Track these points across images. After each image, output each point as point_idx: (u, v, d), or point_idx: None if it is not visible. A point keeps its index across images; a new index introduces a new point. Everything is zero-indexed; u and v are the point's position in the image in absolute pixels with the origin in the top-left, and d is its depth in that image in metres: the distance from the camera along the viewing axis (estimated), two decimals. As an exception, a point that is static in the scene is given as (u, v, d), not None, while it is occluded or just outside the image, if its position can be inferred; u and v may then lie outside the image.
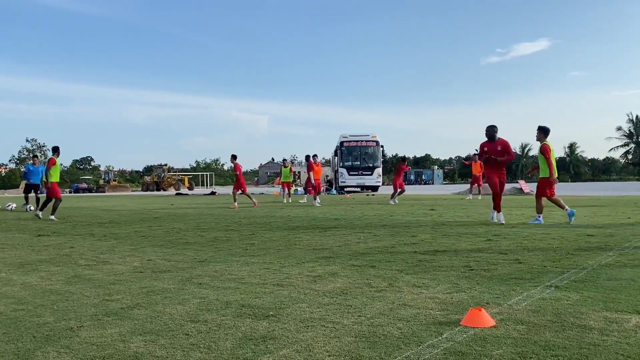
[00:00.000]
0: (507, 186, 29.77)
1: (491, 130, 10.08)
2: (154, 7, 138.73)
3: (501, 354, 2.65)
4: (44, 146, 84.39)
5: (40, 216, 13.56)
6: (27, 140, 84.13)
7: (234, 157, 17.88)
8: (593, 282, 4.31)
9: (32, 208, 18.74)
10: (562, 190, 30.75)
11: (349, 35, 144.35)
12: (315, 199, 18.87)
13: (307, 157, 20.93)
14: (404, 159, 22.91)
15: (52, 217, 12.94)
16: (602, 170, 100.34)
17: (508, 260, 5.53)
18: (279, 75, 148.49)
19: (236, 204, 17.64)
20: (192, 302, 3.92)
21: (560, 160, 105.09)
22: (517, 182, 31.36)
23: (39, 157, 19.79)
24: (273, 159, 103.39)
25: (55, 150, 13.47)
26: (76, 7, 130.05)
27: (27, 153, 79.70)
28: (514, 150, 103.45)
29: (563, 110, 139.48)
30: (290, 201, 21.19)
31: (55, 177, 13.11)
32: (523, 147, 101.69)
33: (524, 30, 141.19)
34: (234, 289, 4.37)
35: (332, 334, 3.05)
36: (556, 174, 9.70)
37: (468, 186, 25.50)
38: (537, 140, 9.96)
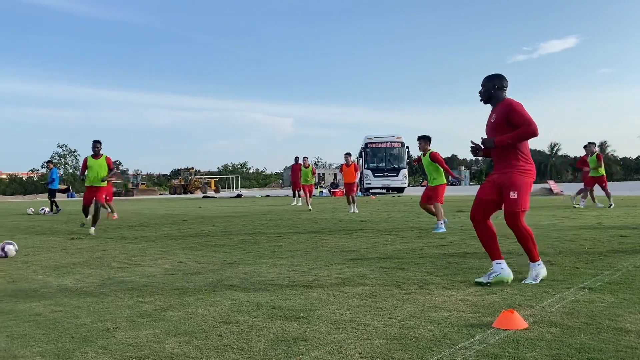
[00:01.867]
0: (536, 187, 29.30)
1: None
2: (177, 12, 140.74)
3: (535, 356, 2.62)
4: (75, 151, 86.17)
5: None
6: (58, 146, 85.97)
7: None
8: (628, 284, 4.23)
9: (31, 210, 19.46)
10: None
11: (373, 34, 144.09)
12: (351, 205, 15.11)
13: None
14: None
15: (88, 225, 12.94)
16: (634, 169, 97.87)
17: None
18: (302, 77, 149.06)
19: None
20: (223, 303, 3.98)
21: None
22: (547, 182, 30.82)
23: (53, 162, 20.04)
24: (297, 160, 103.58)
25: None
26: (101, 14, 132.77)
27: (58, 158, 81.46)
28: (542, 150, 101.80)
29: (593, 108, 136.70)
30: (310, 209, 16.53)
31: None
32: (552, 147, 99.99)
33: (552, 27, 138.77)
34: (264, 290, 4.42)
35: (363, 336, 3.06)
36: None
37: None
38: (422, 150, 9.62)
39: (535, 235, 8.00)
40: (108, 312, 3.81)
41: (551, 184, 26.94)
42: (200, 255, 6.75)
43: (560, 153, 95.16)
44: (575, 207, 14.38)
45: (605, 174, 14.55)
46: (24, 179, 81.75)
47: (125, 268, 5.85)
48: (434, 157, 9.47)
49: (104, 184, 10.59)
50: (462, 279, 4.63)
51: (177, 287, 4.64)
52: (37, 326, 3.49)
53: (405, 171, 33.93)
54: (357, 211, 14.82)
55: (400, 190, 33.90)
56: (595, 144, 14.86)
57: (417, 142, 9.76)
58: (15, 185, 76.60)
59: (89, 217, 10.70)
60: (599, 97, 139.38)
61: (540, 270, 4.52)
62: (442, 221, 9.20)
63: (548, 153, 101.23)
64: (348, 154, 15.78)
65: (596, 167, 14.38)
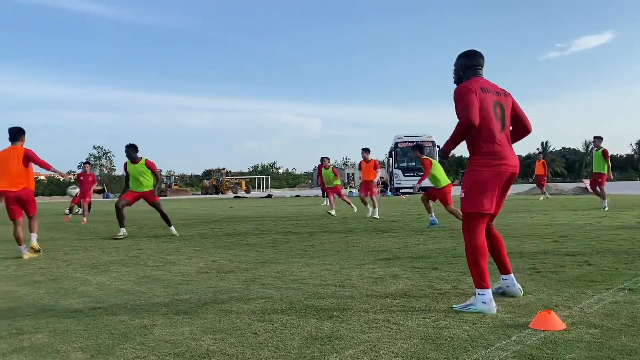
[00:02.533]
0: (571, 185, 28.63)
1: None
2: (209, 15, 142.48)
3: (574, 357, 2.57)
4: (109, 152, 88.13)
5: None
6: (94, 147, 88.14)
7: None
8: (671, 285, 4.10)
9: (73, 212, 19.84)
10: (628, 189, 29.33)
11: (404, 33, 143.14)
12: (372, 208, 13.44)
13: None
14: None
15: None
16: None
17: (576, 262, 5.34)
18: (331, 77, 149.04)
19: None
20: (257, 301, 4.02)
21: (627, 158, 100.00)
22: (582, 181, 30.09)
23: (89, 164, 20.43)
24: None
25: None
26: (137, 19, 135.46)
27: (94, 160, 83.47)
28: (577, 148, 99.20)
29: (630, 104, 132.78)
30: (332, 213, 13.82)
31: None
32: (587, 145, 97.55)
33: (586, 23, 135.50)
34: (296, 289, 4.44)
35: (397, 335, 3.05)
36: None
37: (530, 186, 24.74)
38: (416, 158, 10.28)
39: (571, 235, 7.82)
40: (145, 310, 3.89)
41: (586, 183, 26.27)
42: (233, 254, 6.83)
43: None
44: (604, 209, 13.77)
45: (607, 173, 13.71)
46: (61, 180, 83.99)
47: (160, 266, 5.96)
48: (425, 164, 10.01)
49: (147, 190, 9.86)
50: (496, 279, 4.56)
51: (212, 286, 4.71)
52: (78, 322, 3.59)
53: (436, 171, 33.56)
54: (377, 216, 12.81)
55: (431, 190, 33.56)
56: (601, 139, 13.90)
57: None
58: (53, 187, 78.78)
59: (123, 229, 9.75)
60: (635, 94, 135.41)
61: (477, 303, 3.53)
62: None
63: (583, 151, 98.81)
64: (365, 150, 13.81)
65: (600, 163, 13.71)
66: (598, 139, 13.93)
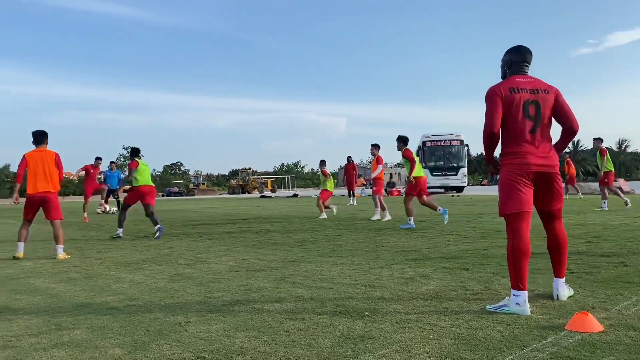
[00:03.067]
0: (593, 185, 27.96)
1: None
2: (235, 16, 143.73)
3: (613, 360, 2.52)
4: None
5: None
6: (123, 148, 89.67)
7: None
8: None
9: (101, 210, 20.64)
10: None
11: (432, 30, 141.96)
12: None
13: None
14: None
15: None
16: None
17: (612, 263, 5.22)
18: (355, 76, 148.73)
19: None
20: (288, 300, 4.04)
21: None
22: (617, 181, 29.40)
23: (114, 163, 20.85)
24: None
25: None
26: (166, 21, 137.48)
27: (123, 160, 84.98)
28: (610, 147, 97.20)
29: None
30: (323, 216, 13.28)
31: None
32: (620, 143, 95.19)
33: (618, 18, 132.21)
34: (326, 288, 4.46)
35: (430, 335, 3.04)
36: (418, 173, 10.11)
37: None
38: (399, 149, 10.50)
39: (606, 235, 7.65)
40: (179, 307, 3.96)
41: (621, 182, 25.66)
42: (262, 253, 6.88)
43: (629, 150, 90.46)
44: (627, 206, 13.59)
45: (608, 171, 13.77)
46: (76, 180, 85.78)
47: (192, 264, 6.04)
48: (405, 155, 10.30)
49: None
50: (530, 280, 4.49)
51: (243, 284, 4.76)
52: (114, 319, 3.67)
53: (464, 170, 33.20)
54: (373, 218, 12.10)
55: (459, 189, 33.22)
56: (600, 140, 13.92)
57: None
58: (84, 186, 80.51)
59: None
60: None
61: (511, 304, 3.51)
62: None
63: (616, 150, 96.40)
64: (374, 146, 12.64)
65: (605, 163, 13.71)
66: (597, 140, 14.04)
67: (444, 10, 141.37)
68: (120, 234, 9.77)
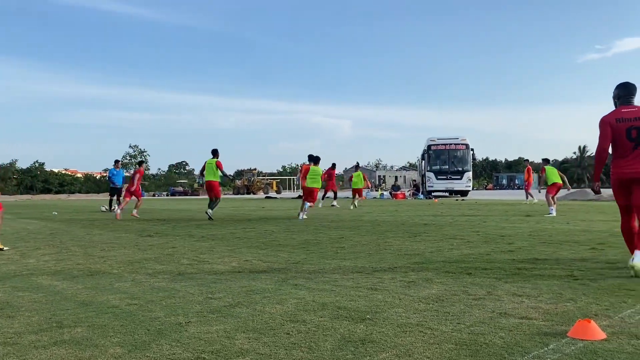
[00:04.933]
0: (610, 191, 27.81)
1: None
2: (240, 16, 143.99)
3: (616, 369, 2.50)
4: (144, 151, 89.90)
5: (211, 216, 13.84)
6: (129, 146, 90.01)
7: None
8: None
9: (104, 208, 20.61)
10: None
11: (438, 35, 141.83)
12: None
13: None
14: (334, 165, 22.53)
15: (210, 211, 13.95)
16: None
17: (616, 270, 5.19)
18: (360, 79, 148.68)
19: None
20: (290, 302, 4.03)
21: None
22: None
23: (120, 161, 20.95)
24: (358, 164, 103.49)
25: (214, 153, 14.19)
26: (171, 20, 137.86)
27: (129, 158, 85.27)
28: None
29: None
30: (303, 215, 13.98)
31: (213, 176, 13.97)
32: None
33: (626, 25, 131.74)
34: (328, 291, 4.44)
35: (431, 340, 3.02)
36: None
37: (565, 192, 24.15)
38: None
39: (611, 242, 7.63)
40: (180, 307, 3.95)
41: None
42: (265, 254, 6.87)
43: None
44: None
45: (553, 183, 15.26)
46: (97, 177, 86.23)
47: (194, 265, 6.04)
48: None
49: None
50: (532, 286, 4.48)
51: (245, 285, 4.75)
52: (115, 318, 3.67)
53: (469, 174, 33.10)
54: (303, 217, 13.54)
55: (464, 193, 33.14)
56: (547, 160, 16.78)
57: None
58: (90, 184, 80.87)
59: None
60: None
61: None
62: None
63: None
64: (310, 157, 14.57)
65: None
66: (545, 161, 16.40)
67: (452, 13, 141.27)
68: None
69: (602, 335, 2.98)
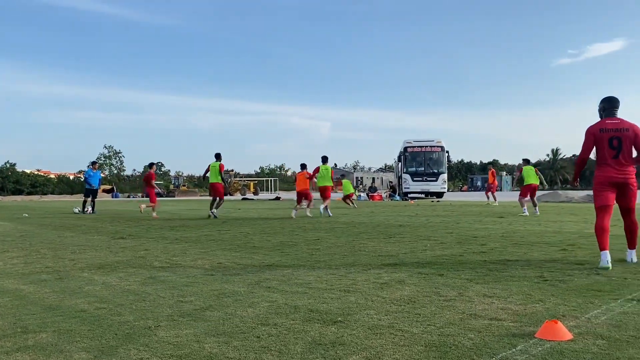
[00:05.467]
0: (582, 193, 28.43)
1: None
2: (220, 16, 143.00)
3: (580, 369, 2.54)
4: (119, 152, 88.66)
5: (216, 215, 15.14)
6: (104, 147, 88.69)
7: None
8: (680, 297, 4.04)
9: (77, 210, 20.40)
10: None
11: (411, 40, 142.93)
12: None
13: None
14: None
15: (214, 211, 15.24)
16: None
17: (585, 271, 5.29)
18: (341, 81, 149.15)
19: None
20: (261, 305, 4.01)
21: None
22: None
23: (97, 163, 20.72)
24: (336, 165, 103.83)
25: (217, 156, 15.35)
26: (147, 19, 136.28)
27: (104, 159, 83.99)
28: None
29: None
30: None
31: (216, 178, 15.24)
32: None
33: (598, 30, 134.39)
34: (301, 293, 4.43)
35: (401, 342, 3.03)
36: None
37: (540, 193, 24.57)
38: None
39: (580, 243, 7.78)
40: (150, 311, 3.90)
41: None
42: (239, 256, 6.83)
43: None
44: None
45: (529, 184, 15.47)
46: (71, 178, 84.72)
47: (166, 268, 5.97)
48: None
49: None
50: (503, 287, 4.53)
51: (217, 288, 4.71)
52: (83, 322, 3.60)
53: (445, 176, 33.44)
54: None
55: (439, 195, 33.46)
56: (527, 161, 16.55)
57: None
58: (63, 185, 79.37)
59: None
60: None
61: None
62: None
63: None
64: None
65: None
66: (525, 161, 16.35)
67: (427, 17, 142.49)
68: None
69: (569, 335, 3.03)
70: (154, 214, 16.08)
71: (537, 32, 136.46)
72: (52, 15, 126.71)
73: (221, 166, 15.19)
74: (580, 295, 4.19)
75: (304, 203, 15.73)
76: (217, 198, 15.38)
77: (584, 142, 5.82)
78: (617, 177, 5.64)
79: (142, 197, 58.27)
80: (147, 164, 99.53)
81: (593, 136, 5.75)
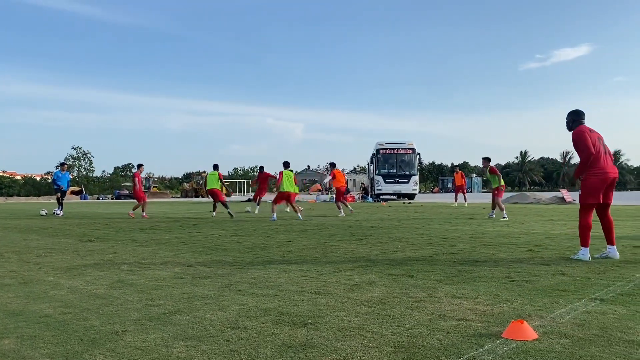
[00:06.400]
0: (549, 195, 29.13)
1: None
2: (189, 17, 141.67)
3: (545, 368, 2.59)
4: (88, 153, 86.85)
5: (232, 214, 16.46)
6: (72, 148, 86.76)
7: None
8: (641, 296, 4.17)
9: (44, 212, 20.03)
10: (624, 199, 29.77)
11: (385, 44, 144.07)
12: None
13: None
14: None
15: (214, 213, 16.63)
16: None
17: (550, 271, 5.40)
18: (313, 83, 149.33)
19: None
20: (231, 308, 3.98)
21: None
22: (559, 191, 30.54)
23: (67, 164, 20.41)
24: (309, 166, 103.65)
25: (215, 167, 17.17)
26: (116, 18, 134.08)
27: (72, 160, 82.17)
28: (555, 158, 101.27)
29: (608, 116, 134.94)
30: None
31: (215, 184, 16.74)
32: (564, 155, 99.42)
33: (565, 35, 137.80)
34: (272, 296, 4.41)
35: (370, 343, 3.05)
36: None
37: (509, 195, 25.03)
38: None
39: (547, 244, 7.95)
40: (117, 315, 3.83)
41: (563, 193, 26.70)
42: (210, 259, 6.76)
43: (573, 162, 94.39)
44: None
45: (498, 186, 15.01)
46: (37, 180, 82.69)
47: (135, 271, 5.87)
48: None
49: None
50: (471, 288, 4.60)
51: (186, 291, 4.66)
52: (47, 328, 3.51)
53: (416, 178, 33.79)
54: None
55: (411, 196, 33.79)
56: (488, 159, 15.63)
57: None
58: (29, 187, 77.41)
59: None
60: (613, 105, 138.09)
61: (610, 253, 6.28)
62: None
63: (560, 161, 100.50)
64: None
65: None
66: (485, 160, 15.71)
67: (399, 21, 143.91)
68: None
69: (534, 335, 3.09)
70: (144, 214, 17.05)
71: (505, 36, 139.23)
72: (18, 13, 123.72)
73: (220, 175, 17.01)
74: (546, 295, 4.28)
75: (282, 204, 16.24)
76: (219, 201, 16.93)
77: (584, 141, 6.04)
78: (613, 174, 6.12)
79: (112, 198, 57.26)
80: (117, 165, 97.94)
81: (588, 135, 6.09)
